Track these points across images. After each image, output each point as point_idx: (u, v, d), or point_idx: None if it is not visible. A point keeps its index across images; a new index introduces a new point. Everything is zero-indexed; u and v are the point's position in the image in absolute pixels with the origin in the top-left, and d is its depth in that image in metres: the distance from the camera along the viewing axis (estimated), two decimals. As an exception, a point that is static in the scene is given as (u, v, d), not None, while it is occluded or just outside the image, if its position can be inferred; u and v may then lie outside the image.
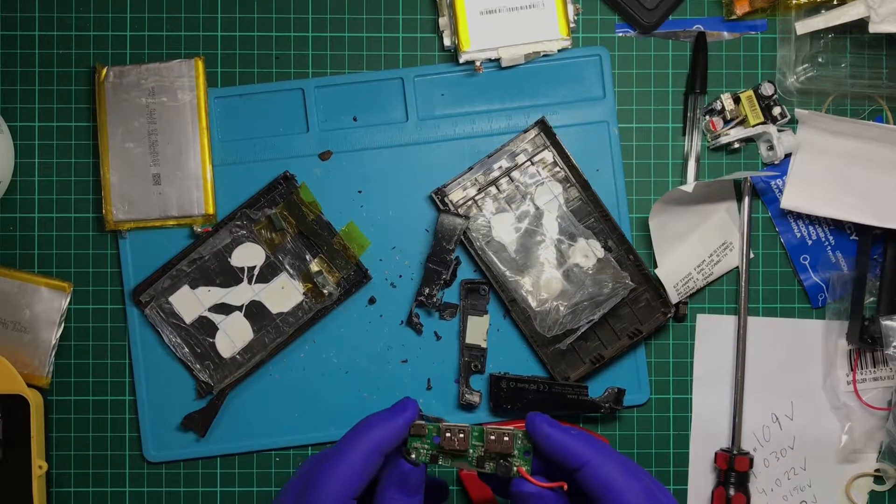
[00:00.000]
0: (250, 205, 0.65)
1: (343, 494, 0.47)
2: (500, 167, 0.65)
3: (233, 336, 0.65)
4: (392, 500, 0.48)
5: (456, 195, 0.65)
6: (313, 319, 0.65)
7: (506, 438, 0.49)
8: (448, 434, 0.49)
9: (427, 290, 0.64)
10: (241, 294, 0.65)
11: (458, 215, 0.64)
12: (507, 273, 0.64)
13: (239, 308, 0.65)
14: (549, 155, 0.65)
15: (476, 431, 0.50)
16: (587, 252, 0.64)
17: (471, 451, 0.50)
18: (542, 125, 0.65)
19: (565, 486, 0.48)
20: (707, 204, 0.66)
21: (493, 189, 0.65)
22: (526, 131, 0.65)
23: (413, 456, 0.50)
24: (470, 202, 0.65)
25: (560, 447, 0.48)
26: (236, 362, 0.65)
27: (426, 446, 0.50)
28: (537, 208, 0.65)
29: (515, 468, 0.49)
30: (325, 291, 0.65)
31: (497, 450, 0.49)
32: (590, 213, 0.65)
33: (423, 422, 0.50)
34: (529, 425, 0.49)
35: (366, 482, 0.48)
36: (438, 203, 0.64)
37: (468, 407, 0.66)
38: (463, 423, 0.50)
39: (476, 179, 0.65)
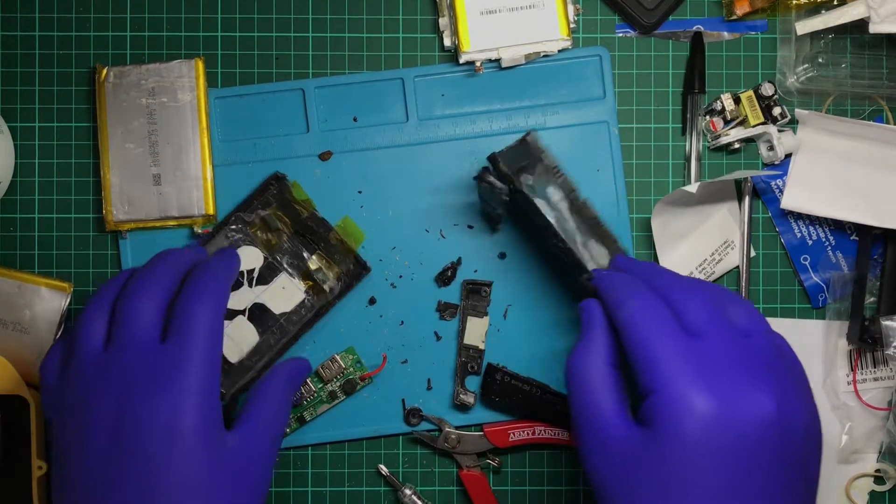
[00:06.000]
0: (243, 208, 0.65)
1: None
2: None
3: (239, 340, 0.64)
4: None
5: None
6: (317, 315, 0.65)
7: None
8: None
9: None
10: (242, 298, 0.65)
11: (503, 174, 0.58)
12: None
13: (242, 312, 0.65)
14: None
15: None
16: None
17: None
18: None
19: None
20: (708, 204, 0.66)
21: None
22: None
23: None
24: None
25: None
26: (244, 366, 0.64)
27: None
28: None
29: None
30: (325, 287, 0.65)
31: None
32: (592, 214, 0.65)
33: None
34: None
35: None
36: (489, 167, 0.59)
37: (462, 407, 0.65)
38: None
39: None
